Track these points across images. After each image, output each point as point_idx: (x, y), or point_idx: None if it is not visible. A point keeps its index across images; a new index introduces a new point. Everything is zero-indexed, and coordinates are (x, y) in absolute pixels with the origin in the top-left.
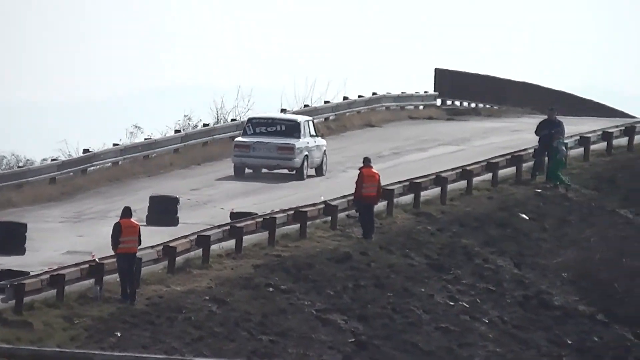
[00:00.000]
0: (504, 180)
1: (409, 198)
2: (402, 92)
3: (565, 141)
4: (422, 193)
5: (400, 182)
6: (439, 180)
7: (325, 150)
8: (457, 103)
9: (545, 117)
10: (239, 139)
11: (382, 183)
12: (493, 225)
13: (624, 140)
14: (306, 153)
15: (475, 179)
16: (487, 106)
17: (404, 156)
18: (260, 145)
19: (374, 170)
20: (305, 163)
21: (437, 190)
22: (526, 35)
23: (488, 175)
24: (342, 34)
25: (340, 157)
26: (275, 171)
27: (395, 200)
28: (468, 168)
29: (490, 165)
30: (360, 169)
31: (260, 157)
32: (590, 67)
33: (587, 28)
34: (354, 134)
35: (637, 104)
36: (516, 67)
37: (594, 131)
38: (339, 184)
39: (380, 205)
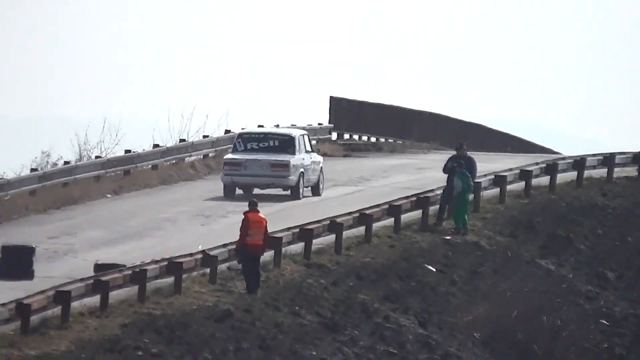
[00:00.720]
0: (408, 225)
1: (299, 247)
2: (292, 125)
3: (478, 180)
4: (315, 241)
5: (289, 228)
6: (333, 226)
7: (321, 168)
8: (356, 137)
9: (455, 152)
10: (229, 155)
11: (270, 230)
12: (395, 277)
13: (544, 180)
14: (302, 170)
15: (375, 225)
16: (390, 140)
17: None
18: (252, 163)
19: (261, 215)
20: (301, 181)
21: (332, 237)
22: (434, 61)
23: (390, 220)
24: (222, 58)
25: (220, 200)
26: (268, 191)
27: (283, 249)
28: (367, 212)
29: (393, 209)
30: (245, 213)
31: (253, 175)
32: (509, 99)
33: (507, 56)
34: None
35: (562, 139)
36: (422, 97)
37: (511, 169)
38: (219, 231)
39: (267, 256)
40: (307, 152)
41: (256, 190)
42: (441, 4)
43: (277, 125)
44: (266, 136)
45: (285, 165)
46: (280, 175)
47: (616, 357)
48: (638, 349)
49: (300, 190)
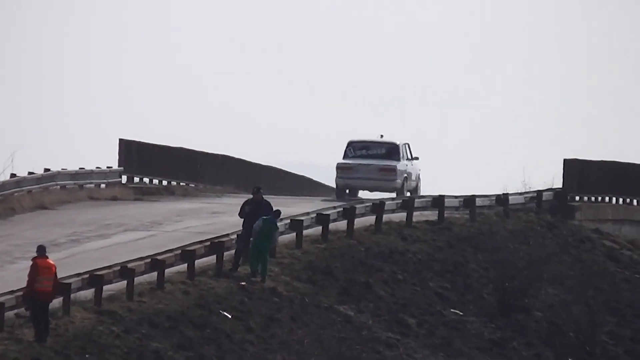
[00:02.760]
0: (203, 271)
1: (89, 293)
2: (80, 168)
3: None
4: (105, 287)
5: (79, 274)
6: (125, 272)
7: (419, 175)
8: (147, 180)
9: (251, 196)
10: (341, 161)
11: (59, 275)
12: (189, 325)
13: (342, 224)
14: (405, 175)
15: (168, 271)
16: (182, 184)
17: (83, 244)
18: (362, 167)
19: (50, 261)
20: (405, 185)
21: (123, 284)
22: (223, 102)
23: (183, 266)
24: (5, 96)
25: (6, 245)
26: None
27: (73, 295)
28: (159, 257)
29: (186, 254)
30: (33, 259)
31: (363, 178)
32: (307, 143)
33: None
34: (24, 217)
35: None
36: (216, 139)
37: (308, 213)
38: (5, 278)
39: (56, 302)
40: (409, 160)
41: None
42: (222, 46)
43: (382, 136)
44: (374, 144)
45: (392, 170)
46: (387, 178)
47: None
48: None
49: (405, 193)
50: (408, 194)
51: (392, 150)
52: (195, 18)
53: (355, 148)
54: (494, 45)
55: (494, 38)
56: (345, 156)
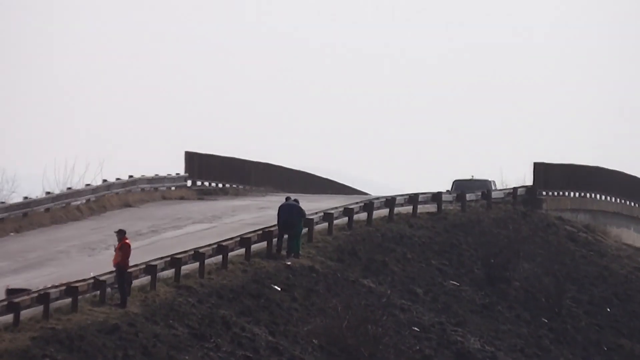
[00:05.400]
0: (256, 254)
1: (170, 272)
2: (155, 175)
3: (311, 217)
4: (182, 267)
5: (162, 257)
6: (197, 255)
7: None
8: (206, 183)
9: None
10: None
11: (145, 259)
12: (248, 296)
13: (363, 215)
14: None
15: (230, 254)
16: (234, 186)
17: (161, 234)
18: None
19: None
20: None
21: (196, 264)
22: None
23: (242, 250)
24: (102, 115)
25: (101, 235)
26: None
27: (157, 274)
28: (223, 243)
29: (244, 241)
30: (124, 240)
31: None
32: (316, 150)
33: (311, 109)
34: (114, 214)
35: (359, 183)
36: (257, 149)
37: (336, 207)
38: (103, 261)
39: (144, 280)
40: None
41: None
42: (261, 63)
43: (473, 176)
44: (471, 181)
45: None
46: None
47: (426, 358)
48: (442, 350)
49: None
50: None
51: (484, 185)
52: (246, 28)
53: (458, 185)
54: (471, 54)
55: (468, 44)
56: (452, 190)
